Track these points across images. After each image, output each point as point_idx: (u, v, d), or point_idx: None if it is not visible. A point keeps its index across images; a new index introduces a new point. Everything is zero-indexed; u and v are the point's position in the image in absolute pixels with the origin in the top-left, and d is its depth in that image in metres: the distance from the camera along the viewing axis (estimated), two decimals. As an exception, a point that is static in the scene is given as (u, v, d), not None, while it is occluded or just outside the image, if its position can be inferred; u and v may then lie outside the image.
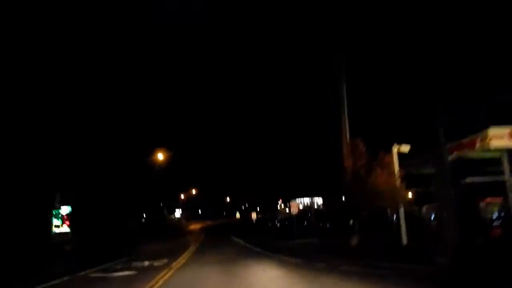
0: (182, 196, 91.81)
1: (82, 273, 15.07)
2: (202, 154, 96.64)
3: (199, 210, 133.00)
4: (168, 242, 31.53)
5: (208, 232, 48.33)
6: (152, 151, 34.30)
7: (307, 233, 27.16)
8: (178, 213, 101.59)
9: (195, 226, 67.30)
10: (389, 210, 17.26)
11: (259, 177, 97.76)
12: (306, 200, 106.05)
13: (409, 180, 15.55)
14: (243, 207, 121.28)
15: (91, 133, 28.77)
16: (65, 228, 24.35)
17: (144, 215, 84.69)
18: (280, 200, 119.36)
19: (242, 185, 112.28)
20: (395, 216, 16.67)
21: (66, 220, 24.42)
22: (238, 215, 79.13)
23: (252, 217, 63.52)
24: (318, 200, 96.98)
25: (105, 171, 30.97)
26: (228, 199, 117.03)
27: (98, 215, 29.64)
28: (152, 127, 45.27)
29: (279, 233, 36.49)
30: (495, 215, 13.56)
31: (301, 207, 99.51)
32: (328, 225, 26.56)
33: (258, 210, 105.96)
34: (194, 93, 78.88)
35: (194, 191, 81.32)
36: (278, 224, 45.41)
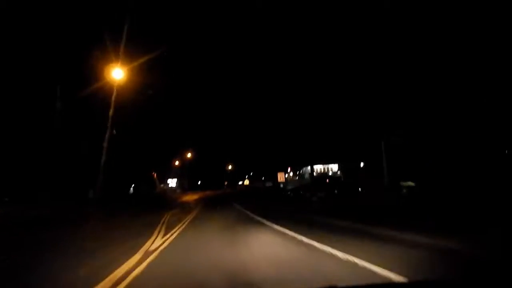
0: (177, 162, 77.04)
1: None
2: (200, 113, 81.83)
3: (199, 181, 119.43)
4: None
5: (205, 205, 33.44)
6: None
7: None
8: (173, 182, 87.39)
9: (189, 198, 52.75)
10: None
11: (265, 142, 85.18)
12: (319, 167, 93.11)
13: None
14: (247, 176, 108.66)
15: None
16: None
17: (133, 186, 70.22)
18: (290, 168, 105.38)
19: (246, 152, 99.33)
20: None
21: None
22: (246, 181, 64.20)
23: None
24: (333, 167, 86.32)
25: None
26: (230, 167, 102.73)
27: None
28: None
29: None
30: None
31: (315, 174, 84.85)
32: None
33: (263, 179, 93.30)
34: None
35: (189, 155, 66.23)
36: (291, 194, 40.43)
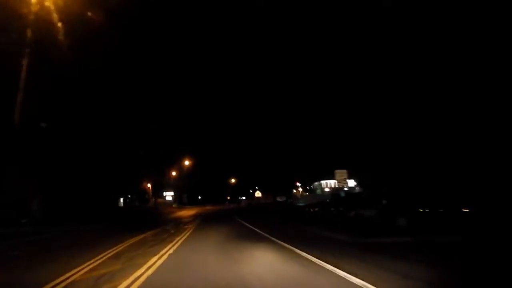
0: (174, 173, 67.94)
1: None
2: (202, 121, 73.17)
3: (199, 196, 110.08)
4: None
5: (201, 225, 23.99)
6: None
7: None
8: (169, 195, 78.03)
9: (184, 213, 43.40)
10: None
11: (271, 155, 77.31)
12: (332, 182, 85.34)
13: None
14: (251, 190, 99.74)
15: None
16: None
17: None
18: (298, 182, 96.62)
19: (250, 165, 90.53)
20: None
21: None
22: (258, 193, 54.99)
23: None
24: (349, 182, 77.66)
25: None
26: (233, 181, 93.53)
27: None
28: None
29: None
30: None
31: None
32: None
33: (273, 193, 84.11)
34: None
35: (187, 162, 57.02)
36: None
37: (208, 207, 62.59)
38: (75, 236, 17.71)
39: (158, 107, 52.55)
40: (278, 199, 60.86)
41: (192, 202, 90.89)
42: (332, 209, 30.88)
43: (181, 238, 14.93)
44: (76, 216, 28.02)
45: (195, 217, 33.76)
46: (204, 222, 25.33)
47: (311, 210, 34.99)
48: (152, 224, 23.68)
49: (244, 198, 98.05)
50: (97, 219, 27.19)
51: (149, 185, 69.98)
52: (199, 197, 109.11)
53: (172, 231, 18.75)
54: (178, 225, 23.17)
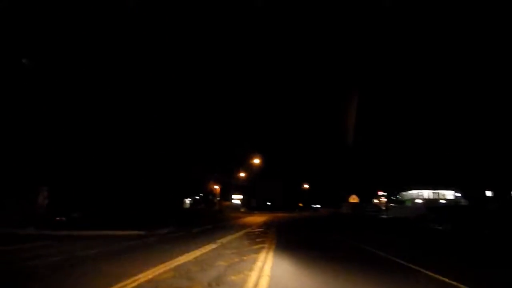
0: (242, 174, 62.13)
1: None
2: (274, 122, 66.66)
3: (267, 201, 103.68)
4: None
5: (280, 242, 16.52)
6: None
7: None
8: (237, 199, 72.58)
9: (253, 219, 36.85)
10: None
11: (350, 160, 70.48)
12: (426, 193, 75.59)
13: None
14: (343, 194, 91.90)
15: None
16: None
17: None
18: (380, 191, 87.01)
19: (325, 171, 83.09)
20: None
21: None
22: (354, 198, 46.69)
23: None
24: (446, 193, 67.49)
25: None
26: (306, 186, 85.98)
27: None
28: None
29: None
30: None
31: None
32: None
33: (360, 202, 75.98)
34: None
35: (257, 161, 50.52)
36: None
37: (279, 214, 55.47)
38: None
39: (229, 106, 48.19)
40: (368, 209, 51.98)
41: (260, 208, 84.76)
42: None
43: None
44: (144, 218, 24.75)
45: (267, 226, 26.82)
46: (283, 238, 18.20)
47: (430, 226, 26.48)
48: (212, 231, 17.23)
49: (319, 206, 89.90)
50: (163, 222, 23.86)
51: (216, 186, 64.99)
52: (268, 203, 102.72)
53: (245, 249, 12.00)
54: (247, 241, 16.32)
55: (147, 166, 34.22)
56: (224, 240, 15.01)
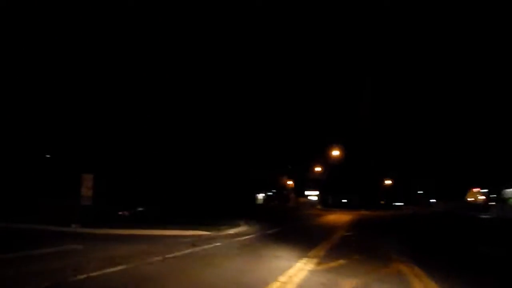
0: (318, 169, 57.03)
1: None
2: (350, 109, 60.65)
3: (346, 198, 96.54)
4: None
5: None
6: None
7: None
8: (312, 195, 67.50)
9: (335, 219, 31.67)
10: None
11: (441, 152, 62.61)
12: None
13: None
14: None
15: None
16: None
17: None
18: (476, 188, 77.25)
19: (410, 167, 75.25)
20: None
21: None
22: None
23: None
24: None
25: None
26: (389, 182, 78.15)
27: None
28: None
29: None
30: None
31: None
32: None
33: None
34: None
35: (336, 152, 44.87)
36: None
37: (361, 212, 48.98)
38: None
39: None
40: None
41: (336, 205, 78.55)
42: None
43: None
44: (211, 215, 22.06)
45: (360, 227, 21.53)
46: (414, 250, 12.89)
47: None
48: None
49: (402, 203, 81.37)
50: (232, 219, 20.63)
51: (290, 181, 60.46)
52: (344, 200, 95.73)
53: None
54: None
55: (216, 159, 31.85)
56: (319, 252, 10.26)
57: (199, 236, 13.81)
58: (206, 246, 10.94)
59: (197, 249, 10.37)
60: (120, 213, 21.60)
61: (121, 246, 10.44)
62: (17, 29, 20.21)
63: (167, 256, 8.89)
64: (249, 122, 37.44)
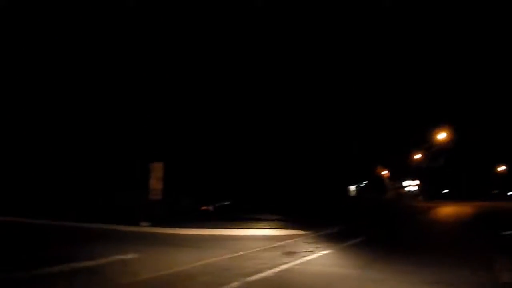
0: (418, 156, 50.77)
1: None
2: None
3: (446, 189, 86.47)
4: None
5: None
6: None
7: None
8: (410, 185, 60.99)
9: (451, 212, 26.22)
10: None
11: None
12: None
13: None
14: None
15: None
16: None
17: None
18: None
19: None
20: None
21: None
22: None
23: None
24: None
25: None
26: (503, 168, 67.87)
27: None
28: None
29: None
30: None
31: None
32: None
33: None
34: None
35: (443, 135, 38.37)
36: None
37: (476, 203, 41.17)
38: None
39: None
40: None
41: (435, 196, 70.03)
42: None
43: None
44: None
45: None
46: None
47: None
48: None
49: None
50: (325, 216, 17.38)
51: (385, 171, 54.51)
52: (445, 190, 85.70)
53: None
54: None
55: (302, 148, 29.38)
56: None
57: (292, 236, 10.47)
58: (309, 257, 7.37)
59: (297, 261, 6.85)
60: (203, 208, 19.58)
61: (190, 254, 7.40)
62: (17, 29, 20.35)
63: (247, 279, 5.47)
64: (344, 109, 34.04)
